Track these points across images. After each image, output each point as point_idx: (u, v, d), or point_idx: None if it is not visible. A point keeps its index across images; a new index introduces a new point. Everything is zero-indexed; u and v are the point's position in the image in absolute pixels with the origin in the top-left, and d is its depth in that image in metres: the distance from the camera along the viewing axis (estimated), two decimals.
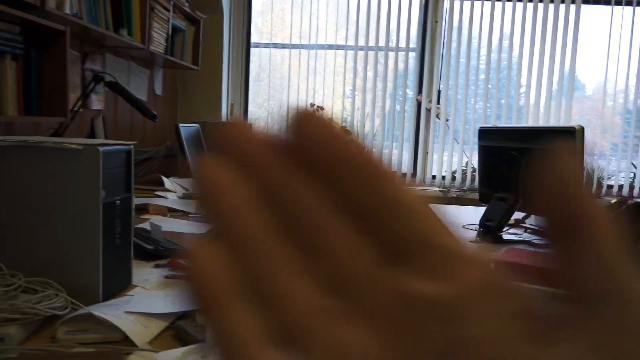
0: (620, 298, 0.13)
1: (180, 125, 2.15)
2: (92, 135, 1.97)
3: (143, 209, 1.53)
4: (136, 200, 1.37)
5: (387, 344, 0.13)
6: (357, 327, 0.13)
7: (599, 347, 0.12)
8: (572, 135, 1.27)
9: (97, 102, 2.12)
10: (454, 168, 3.03)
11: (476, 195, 1.69)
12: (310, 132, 0.14)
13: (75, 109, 1.64)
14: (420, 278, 0.13)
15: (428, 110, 3.02)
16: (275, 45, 3.18)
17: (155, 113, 1.72)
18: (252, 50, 3.20)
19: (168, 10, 2.36)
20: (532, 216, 1.37)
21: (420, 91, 3.05)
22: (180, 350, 0.63)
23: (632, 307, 0.13)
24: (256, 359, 0.13)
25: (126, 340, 0.67)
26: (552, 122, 2.90)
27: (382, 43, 3.05)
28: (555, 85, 2.93)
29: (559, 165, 0.14)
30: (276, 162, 0.14)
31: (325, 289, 0.14)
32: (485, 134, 1.64)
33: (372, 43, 3.04)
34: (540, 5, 2.89)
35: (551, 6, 2.88)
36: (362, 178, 0.14)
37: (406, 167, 2.93)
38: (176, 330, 0.70)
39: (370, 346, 0.13)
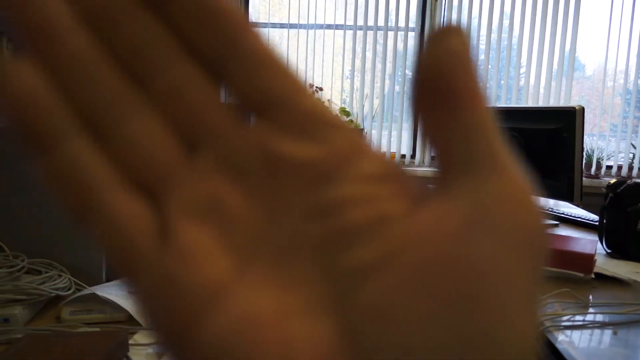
0: (495, 169, 0.12)
1: None
2: None
3: None
4: None
5: (253, 199, 0.12)
6: (219, 179, 0.12)
7: (466, 216, 0.11)
8: (572, 116, 1.27)
9: None
10: None
11: None
12: None
13: None
14: (285, 139, 0.12)
15: None
16: (274, 25, 3.14)
17: None
18: None
19: None
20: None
21: None
22: None
23: (505, 179, 0.11)
24: (113, 205, 0.12)
25: (131, 320, 0.67)
26: (552, 103, 2.89)
27: (381, 23, 3.02)
28: (555, 66, 2.91)
29: (441, 42, 0.12)
30: None
31: (178, 135, 0.13)
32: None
33: (371, 23, 3.01)
34: None
35: None
36: (217, 25, 0.12)
37: (406, 147, 2.92)
38: None
39: (236, 198, 0.12)
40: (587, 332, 0.74)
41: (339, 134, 0.13)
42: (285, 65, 0.13)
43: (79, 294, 0.70)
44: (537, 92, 2.94)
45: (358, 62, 3.01)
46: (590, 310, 0.81)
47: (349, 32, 3.01)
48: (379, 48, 3.02)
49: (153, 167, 0.12)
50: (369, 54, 3.01)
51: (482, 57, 3.04)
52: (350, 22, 3.02)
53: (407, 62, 3.03)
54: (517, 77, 3.03)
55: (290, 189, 0.12)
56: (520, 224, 0.11)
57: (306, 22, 3.05)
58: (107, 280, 0.78)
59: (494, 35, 2.97)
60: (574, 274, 0.90)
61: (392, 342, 0.10)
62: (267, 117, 0.13)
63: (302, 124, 0.12)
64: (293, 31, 3.06)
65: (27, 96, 0.12)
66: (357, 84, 3.01)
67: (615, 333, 0.74)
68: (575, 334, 0.73)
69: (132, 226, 0.12)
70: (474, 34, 3.01)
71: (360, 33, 3.00)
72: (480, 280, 0.10)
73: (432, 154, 0.13)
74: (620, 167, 2.77)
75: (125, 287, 0.13)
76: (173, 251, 0.12)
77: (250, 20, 0.13)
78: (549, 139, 1.34)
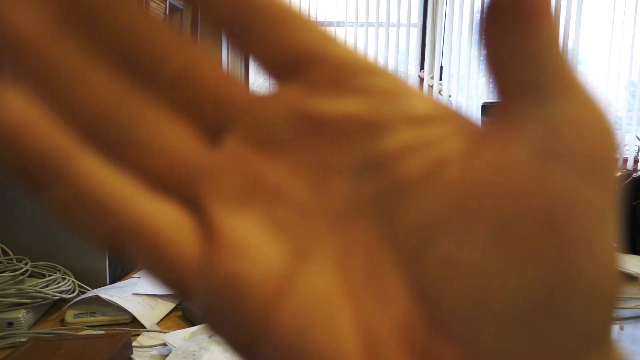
0: (567, 92, 0.10)
1: None
2: None
3: None
4: None
5: (295, 169, 0.11)
6: (253, 158, 0.11)
7: (536, 145, 0.10)
8: None
9: None
10: None
11: None
12: None
13: None
14: (318, 96, 0.11)
15: (430, 87, 2.99)
16: None
17: None
18: None
19: None
20: None
21: (422, 67, 3.01)
22: (188, 331, 0.64)
23: (579, 102, 0.10)
24: (146, 220, 0.11)
25: (134, 322, 0.67)
26: None
27: (382, 19, 3.01)
28: None
29: None
30: None
31: (197, 123, 0.11)
32: (488, 109, 1.63)
33: (372, 19, 3.00)
34: None
35: None
36: None
37: None
38: (183, 310, 0.71)
39: (276, 173, 0.11)
40: None
41: (377, 79, 0.11)
42: (306, 17, 0.11)
43: (82, 296, 0.70)
44: None
45: None
46: None
47: (350, 29, 3.00)
48: (381, 44, 3.01)
49: (178, 165, 0.11)
50: (370, 51, 3.00)
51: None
52: (351, 19, 3.01)
53: (408, 59, 3.02)
54: None
55: (334, 150, 0.11)
56: (598, 152, 0.10)
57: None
58: (111, 283, 0.78)
59: None
60: None
61: (474, 299, 0.10)
62: (294, 77, 0.11)
63: (335, 76, 0.11)
64: None
65: (17, 127, 0.10)
66: None
67: (622, 328, 0.74)
68: None
69: (172, 236, 0.11)
70: (476, 30, 2.98)
71: (361, 30, 2.98)
72: (562, 214, 0.10)
73: (493, 84, 0.11)
74: (625, 160, 2.75)
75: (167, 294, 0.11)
76: (223, 250, 0.11)
77: None
78: None
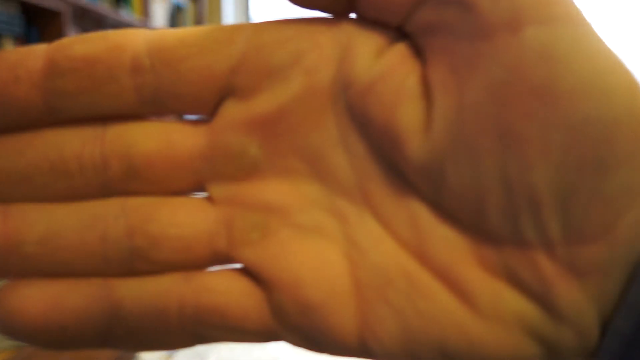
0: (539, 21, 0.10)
1: None
2: None
3: None
4: None
5: (294, 174, 0.12)
6: (257, 193, 0.12)
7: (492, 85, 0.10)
8: None
9: None
10: None
11: None
12: None
13: None
14: (250, 100, 0.12)
15: None
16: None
17: None
18: None
19: None
20: None
21: None
22: None
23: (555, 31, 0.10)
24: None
25: None
26: None
27: None
28: None
29: None
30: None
31: (192, 186, 0.12)
32: None
33: None
34: None
35: None
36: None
37: None
38: None
39: (285, 194, 0.12)
40: None
41: (275, 56, 0.11)
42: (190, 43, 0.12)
43: None
44: None
45: None
46: None
47: None
48: None
49: (206, 238, 0.12)
50: None
51: None
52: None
53: None
54: None
55: (305, 135, 0.12)
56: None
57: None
58: None
59: None
60: None
61: (478, 193, 0.11)
62: (230, 95, 0.12)
63: (253, 78, 0.11)
64: None
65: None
66: None
67: None
68: None
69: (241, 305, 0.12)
70: None
71: None
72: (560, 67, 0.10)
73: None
74: None
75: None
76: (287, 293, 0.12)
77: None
78: None
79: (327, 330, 0.11)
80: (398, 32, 0.11)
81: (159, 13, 2.26)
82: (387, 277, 0.11)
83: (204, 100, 0.11)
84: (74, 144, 0.11)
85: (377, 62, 0.11)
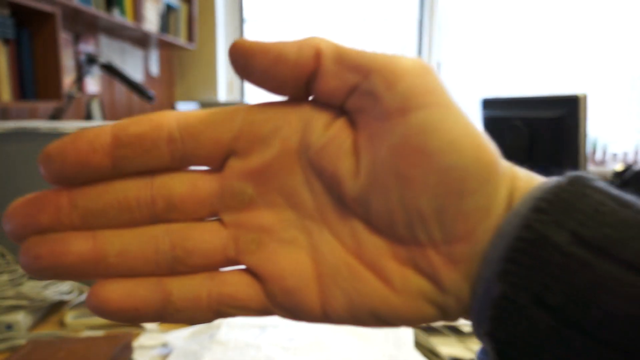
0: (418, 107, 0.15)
1: (178, 104, 2.12)
2: (89, 118, 1.95)
3: None
4: None
5: (278, 205, 0.17)
6: (254, 219, 0.17)
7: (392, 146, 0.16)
8: (575, 104, 1.25)
9: (93, 85, 2.09)
10: None
11: None
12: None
13: (71, 91, 1.61)
14: (245, 157, 0.17)
15: None
16: (271, 21, 3.11)
17: (152, 94, 1.69)
18: (248, 26, 3.14)
19: None
20: None
21: None
22: (188, 330, 0.63)
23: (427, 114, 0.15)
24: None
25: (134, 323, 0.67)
26: (556, 90, 2.86)
27: (379, 13, 2.99)
28: (558, 52, 2.89)
29: None
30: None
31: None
32: (488, 104, 1.62)
33: (369, 15, 2.98)
34: None
35: None
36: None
37: None
38: None
39: (273, 217, 0.18)
40: None
41: (255, 125, 0.17)
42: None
43: (82, 298, 0.69)
44: (540, 80, 2.91)
45: None
46: None
47: (347, 23, 2.99)
48: (377, 39, 3.00)
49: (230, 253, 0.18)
50: (367, 45, 2.99)
51: (483, 45, 3.01)
52: (348, 13, 3.00)
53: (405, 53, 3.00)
54: (520, 65, 3.00)
55: (283, 179, 0.17)
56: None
57: (302, 17, 3.02)
58: None
59: (493, 24, 2.94)
60: None
61: (396, 207, 0.16)
62: (235, 154, 0.17)
63: (248, 140, 0.17)
64: (290, 24, 3.03)
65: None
66: None
67: None
68: None
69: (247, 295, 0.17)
70: (474, 23, 2.98)
71: (358, 24, 2.97)
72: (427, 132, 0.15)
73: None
74: (625, 154, 2.74)
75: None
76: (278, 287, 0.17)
77: None
78: (553, 127, 1.33)
79: (301, 306, 0.17)
80: (340, 110, 0.17)
81: (151, 14, 2.25)
82: (337, 270, 0.17)
83: (215, 158, 0.17)
84: (133, 190, 0.17)
85: (326, 131, 0.17)
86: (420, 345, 0.60)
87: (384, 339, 0.60)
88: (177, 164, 0.17)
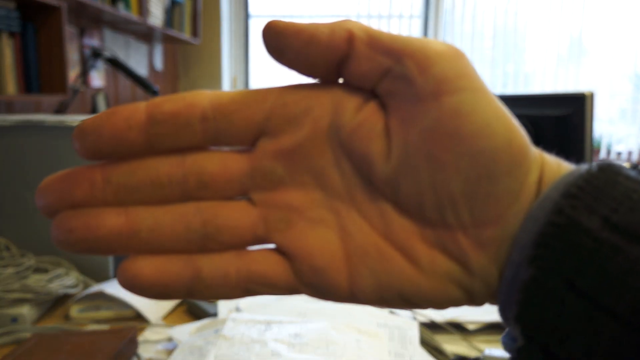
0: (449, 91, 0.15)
1: None
2: (94, 112, 1.95)
3: None
4: None
5: (308, 186, 0.17)
6: (283, 197, 0.17)
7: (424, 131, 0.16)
8: (582, 102, 1.24)
9: (97, 79, 2.09)
10: None
11: None
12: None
13: (76, 85, 1.61)
14: (277, 137, 0.17)
15: None
16: (276, 16, 3.10)
17: (157, 88, 1.69)
18: (253, 21, 3.13)
19: None
20: None
21: None
22: (194, 325, 0.63)
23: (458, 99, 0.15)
24: None
25: (139, 317, 0.67)
26: (560, 88, 2.85)
27: (384, 10, 2.98)
28: (562, 51, 2.87)
29: None
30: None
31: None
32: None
33: (374, 11, 2.97)
34: None
35: None
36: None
37: None
38: (189, 304, 0.70)
39: (304, 197, 0.18)
40: None
41: (287, 108, 0.17)
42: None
43: (87, 291, 0.69)
44: (545, 78, 2.90)
45: None
46: None
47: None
48: None
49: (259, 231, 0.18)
50: None
51: (488, 43, 2.99)
52: (353, 11, 2.99)
53: None
54: (523, 63, 2.99)
55: (313, 159, 0.17)
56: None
57: (308, 13, 3.01)
58: (115, 277, 0.77)
59: (499, 20, 2.93)
60: None
61: (427, 190, 0.16)
62: (264, 135, 0.17)
63: (280, 121, 0.17)
64: (295, 20, 3.03)
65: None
66: None
67: None
68: None
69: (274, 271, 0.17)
70: (478, 20, 2.96)
71: (363, 21, 2.96)
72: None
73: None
74: (630, 153, 2.73)
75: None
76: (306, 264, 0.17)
77: None
78: (559, 125, 1.32)
79: (329, 284, 0.17)
80: (371, 93, 0.17)
81: (156, 9, 2.24)
82: (366, 250, 0.17)
83: (246, 138, 0.17)
84: (165, 167, 0.17)
85: (358, 114, 0.17)
86: (425, 343, 0.60)
87: (389, 336, 0.59)
88: (209, 143, 0.17)
